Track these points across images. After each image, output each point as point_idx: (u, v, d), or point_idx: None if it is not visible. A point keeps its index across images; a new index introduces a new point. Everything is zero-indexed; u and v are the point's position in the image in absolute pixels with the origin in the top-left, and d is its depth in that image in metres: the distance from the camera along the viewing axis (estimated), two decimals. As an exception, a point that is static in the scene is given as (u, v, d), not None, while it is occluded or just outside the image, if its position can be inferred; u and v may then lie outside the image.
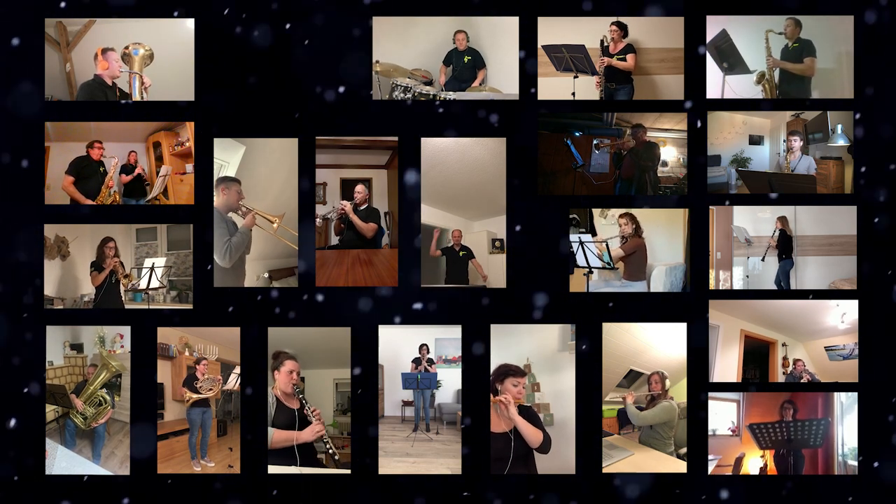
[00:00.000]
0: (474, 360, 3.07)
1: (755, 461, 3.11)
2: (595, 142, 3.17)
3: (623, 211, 3.16)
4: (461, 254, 3.37)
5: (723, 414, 3.08)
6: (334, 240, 3.44)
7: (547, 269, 3.07)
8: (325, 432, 2.97)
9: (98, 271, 3.14)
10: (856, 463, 3.04)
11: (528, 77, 3.09)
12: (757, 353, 3.12)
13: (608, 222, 3.19)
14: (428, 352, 3.14)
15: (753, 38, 3.13)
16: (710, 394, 3.07)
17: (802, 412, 3.09)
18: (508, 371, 2.94)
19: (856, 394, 3.05)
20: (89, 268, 3.13)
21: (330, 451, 2.97)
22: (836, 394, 3.08)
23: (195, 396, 3.11)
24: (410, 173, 3.08)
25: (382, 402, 3.13)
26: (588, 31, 3.17)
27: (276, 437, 3.00)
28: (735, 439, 3.10)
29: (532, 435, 2.81)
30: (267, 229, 3.17)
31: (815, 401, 3.09)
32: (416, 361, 3.15)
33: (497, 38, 3.24)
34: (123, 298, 3.17)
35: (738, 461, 3.10)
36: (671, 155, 3.13)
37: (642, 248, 3.19)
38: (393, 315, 3.07)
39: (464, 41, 3.45)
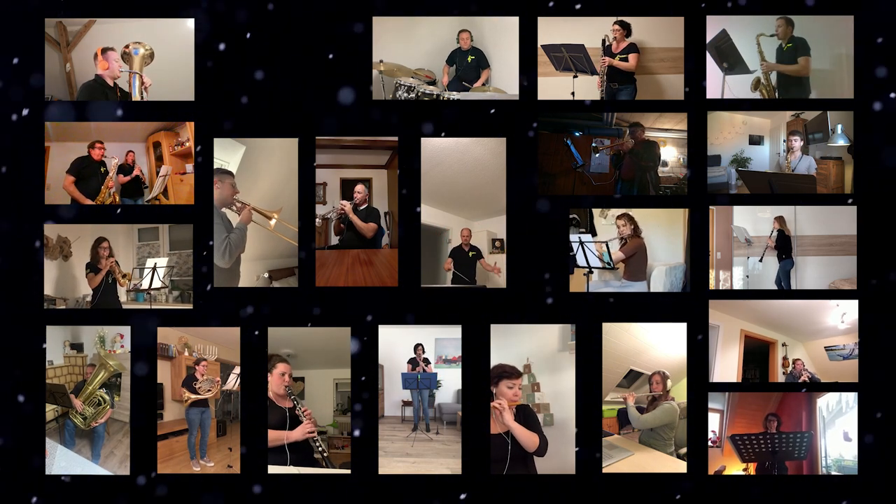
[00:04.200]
0: (474, 360, 3.07)
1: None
2: (594, 144, 3.17)
3: (621, 212, 3.15)
4: (470, 254, 3.36)
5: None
6: (334, 240, 3.44)
7: (547, 269, 3.07)
8: (315, 432, 2.98)
9: (94, 272, 3.13)
10: (840, 474, 3.05)
11: (528, 77, 3.10)
12: (757, 353, 3.12)
13: (608, 222, 3.19)
14: (423, 351, 3.14)
15: (752, 38, 3.13)
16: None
17: (787, 425, 3.08)
18: (503, 373, 2.92)
19: (840, 405, 3.05)
20: (85, 269, 3.13)
21: (320, 448, 2.97)
22: (818, 406, 3.07)
23: (193, 397, 3.12)
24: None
25: (382, 402, 3.13)
26: (592, 31, 3.17)
27: (268, 436, 3.02)
28: (716, 451, 3.08)
29: (528, 439, 2.77)
30: (264, 226, 3.16)
31: (799, 413, 3.08)
32: (413, 362, 3.15)
33: (501, 38, 3.23)
34: (125, 298, 3.17)
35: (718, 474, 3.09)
36: (671, 155, 3.13)
37: (642, 249, 3.18)
38: (393, 315, 3.07)
39: (467, 40, 3.46)
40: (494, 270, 3.23)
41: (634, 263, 3.20)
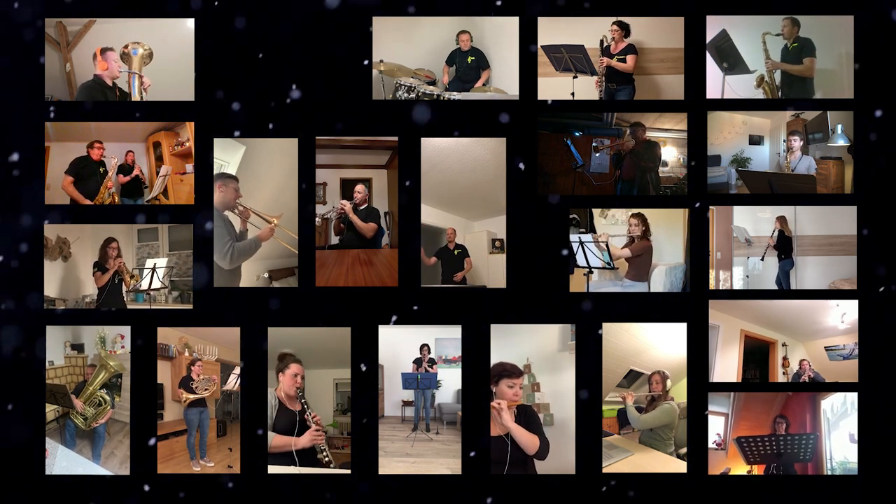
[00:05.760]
0: (474, 360, 3.07)
1: (741, 476, 3.11)
2: (594, 143, 3.17)
3: (635, 211, 3.15)
4: (456, 252, 3.38)
5: (709, 427, 3.06)
6: (334, 240, 3.44)
7: (547, 269, 3.07)
8: (323, 439, 2.97)
9: (101, 272, 3.14)
10: (840, 474, 3.05)
11: (528, 78, 3.10)
12: (757, 353, 3.12)
13: (608, 222, 3.19)
14: (429, 352, 3.14)
15: (753, 38, 3.13)
16: (700, 403, 3.09)
17: (792, 426, 3.08)
18: (503, 372, 2.92)
19: (845, 406, 3.05)
20: (92, 268, 3.13)
21: (326, 459, 2.96)
22: (822, 408, 3.07)
23: (191, 397, 3.12)
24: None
25: (382, 402, 3.13)
26: (592, 32, 3.17)
27: (275, 442, 3.00)
28: (720, 453, 3.08)
29: (528, 441, 2.76)
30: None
31: (803, 415, 3.08)
32: (418, 362, 3.15)
33: (501, 38, 3.23)
34: (126, 299, 3.17)
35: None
36: (671, 155, 3.13)
37: (649, 251, 3.18)
38: (393, 315, 3.07)
39: (467, 42, 3.46)
40: (464, 273, 3.32)
41: (639, 264, 3.19)
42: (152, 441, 3.05)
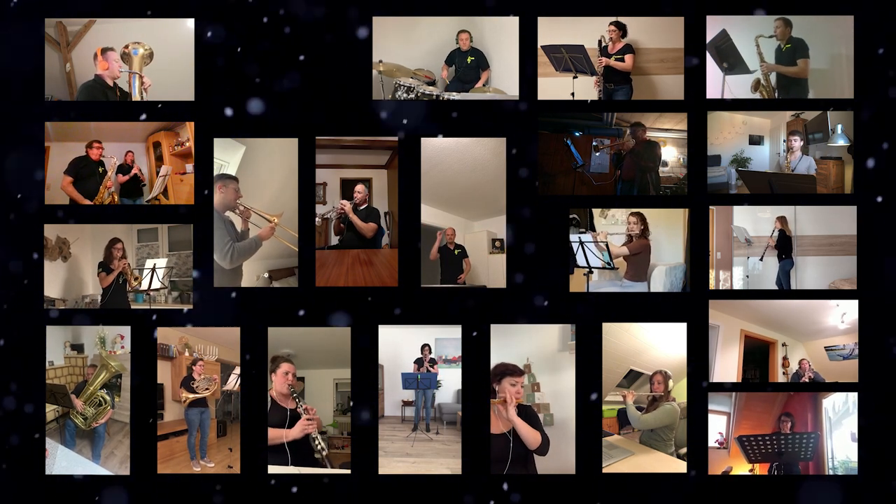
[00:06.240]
0: (474, 360, 3.07)
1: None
2: (594, 143, 3.17)
3: (634, 210, 3.15)
4: (456, 252, 3.38)
5: (711, 425, 3.06)
6: (334, 240, 3.44)
7: (547, 269, 3.07)
8: (314, 428, 2.97)
9: (106, 272, 3.14)
10: (840, 474, 3.05)
11: (528, 78, 3.09)
12: (757, 353, 3.12)
13: (608, 222, 3.19)
14: (430, 352, 3.14)
15: (750, 39, 3.13)
16: (702, 403, 3.09)
17: (799, 425, 3.08)
18: (506, 371, 2.93)
19: (846, 405, 3.05)
20: (97, 268, 3.13)
21: (319, 447, 2.96)
22: (824, 407, 3.07)
23: (191, 396, 3.12)
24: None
25: (382, 402, 3.13)
26: (590, 32, 3.17)
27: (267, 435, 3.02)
28: (722, 452, 3.08)
29: (530, 436, 2.79)
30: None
31: (805, 414, 3.08)
32: (419, 362, 3.15)
33: (501, 38, 3.23)
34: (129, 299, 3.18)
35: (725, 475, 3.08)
36: (671, 155, 3.13)
37: (647, 250, 3.18)
38: (393, 315, 3.07)
39: (467, 41, 3.46)
40: (462, 275, 3.31)
41: (637, 264, 3.20)
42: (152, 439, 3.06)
